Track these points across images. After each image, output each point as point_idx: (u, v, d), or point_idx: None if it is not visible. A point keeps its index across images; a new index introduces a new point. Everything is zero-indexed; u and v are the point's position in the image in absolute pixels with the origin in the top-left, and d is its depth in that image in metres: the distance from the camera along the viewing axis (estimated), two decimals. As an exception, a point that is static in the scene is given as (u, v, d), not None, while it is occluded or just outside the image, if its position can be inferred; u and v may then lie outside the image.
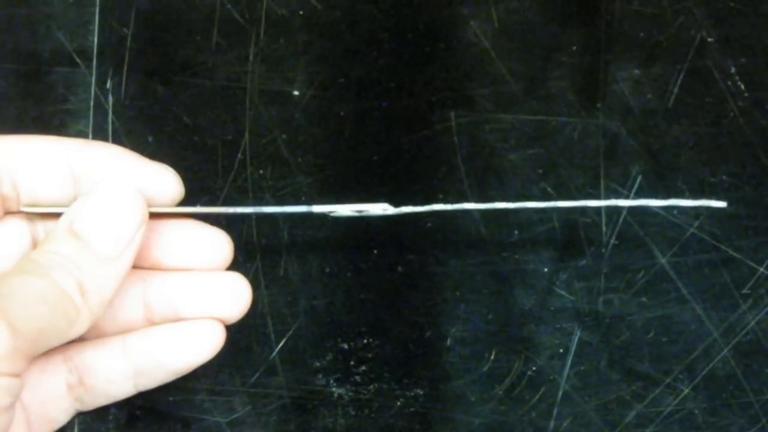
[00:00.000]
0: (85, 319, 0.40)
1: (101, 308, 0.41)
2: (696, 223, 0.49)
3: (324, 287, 0.49)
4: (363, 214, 0.44)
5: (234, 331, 0.46)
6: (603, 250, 0.49)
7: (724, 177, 0.50)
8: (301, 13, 0.51)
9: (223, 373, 0.48)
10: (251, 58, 0.50)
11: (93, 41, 0.50)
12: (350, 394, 0.48)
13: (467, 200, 0.45)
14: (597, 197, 0.49)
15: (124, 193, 0.42)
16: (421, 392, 0.48)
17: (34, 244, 0.44)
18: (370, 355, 0.48)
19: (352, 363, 0.48)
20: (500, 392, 0.48)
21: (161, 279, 0.44)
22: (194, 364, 0.44)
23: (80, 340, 0.45)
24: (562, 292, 0.49)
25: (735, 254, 0.49)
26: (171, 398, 0.47)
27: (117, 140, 0.49)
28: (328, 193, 0.49)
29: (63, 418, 0.45)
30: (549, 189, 0.48)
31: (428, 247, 0.49)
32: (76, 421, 0.47)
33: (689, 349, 0.49)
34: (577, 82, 0.51)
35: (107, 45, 0.50)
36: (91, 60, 0.50)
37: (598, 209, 0.49)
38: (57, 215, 0.42)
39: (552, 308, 0.49)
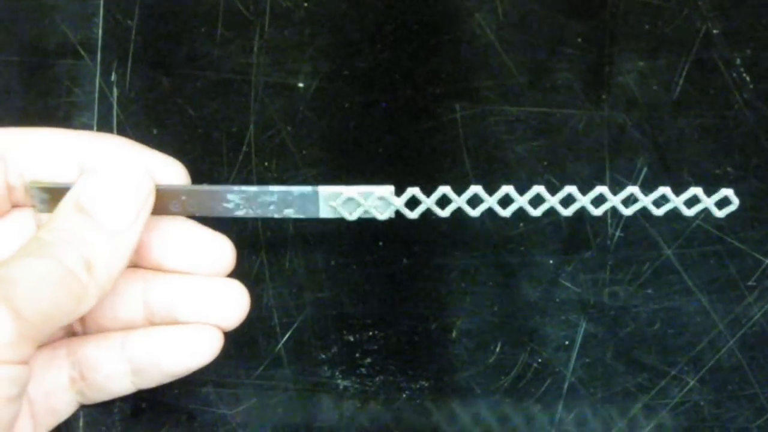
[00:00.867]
0: (92, 295, 0.40)
1: (109, 283, 0.40)
2: (701, 215, 0.49)
3: (329, 279, 0.49)
4: (369, 215, 0.44)
5: (240, 323, 0.46)
6: (608, 242, 0.49)
7: (730, 168, 0.50)
8: (305, 5, 0.51)
9: (229, 365, 0.48)
10: (256, 50, 0.50)
11: (97, 33, 0.50)
12: (356, 386, 0.48)
13: (475, 198, 0.45)
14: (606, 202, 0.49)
15: (130, 167, 0.42)
16: (427, 384, 0.48)
17: None
18: (375, 347, 0.48)
19: (357, 355, 0.48)
20: (506, 384, 0.48)
21: (162, 280, 0.44)
22: (190, 368, 0.44)
23: (83, 334, 0.45)
24: (568, 284, 0.49)
25: (740, 246, 0.49)
26: (176, 390, 0.47)
27: (121, 132, 0.49)
28: (333, 184, 0.49)
29: (67, 410, 0.45)
30: (554, 181, 0.48)
31: (433, 239, 0.49)
32: (82, 413, 0.47)
33: (695, 341, 0.49)
34: (583, 75, 0.51)
35: (112, 37, 0.50)
36: (95, 52, 0.50)
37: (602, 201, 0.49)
38: (63, 194, 0.42)
39: (557, 300, 0.49)
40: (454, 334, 0.49)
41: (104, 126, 0.49)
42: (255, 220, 0.49)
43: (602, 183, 0.48)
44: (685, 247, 0.49)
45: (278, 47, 0.50)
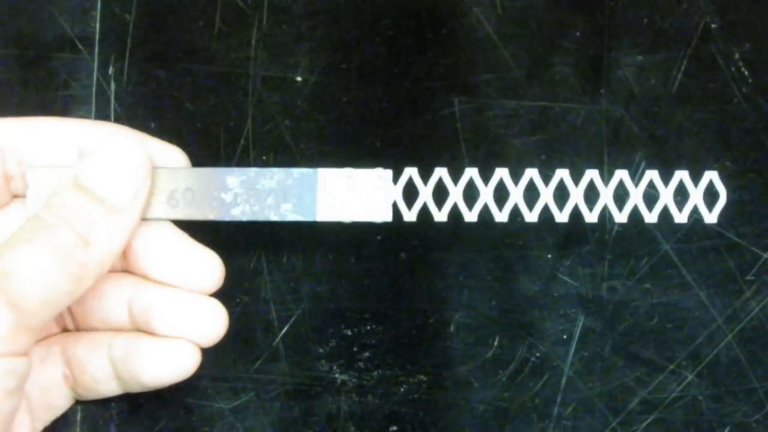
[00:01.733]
0: (92, 272, 0.40)
1: (110, 259, 0.41)
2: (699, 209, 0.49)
3: (327, 273, 0.49)
4: (368, 218, 0.44)
5: (237, 317, 0.46)
6: (607, 237, 0.49)
7: (728, 163, 0.50)
8: (303, -2, 0.51)
9: (227, 359, 0.48)
10: (254, 44, 0.50)
11: (95, 27, 0.50)
12: (354, 380, 0.48)
13: (471, 187, 0.45)
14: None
15: (128, 144, 0.42)
16: (425, 378, 0.48)
17: None
18: (373, 342, 0.48)
19: (355, 349, 0.48)
20: (504, 378, 0.48)
21: (146, 290, 0.44)
22: (165, 382, 0.43)
23: (75, 333, 0.45)
24: (566, 279, 0.49)
25: (739, 240, 0.49)
26: (173, 384, 0.47)
27: (119, 126, 0.49)
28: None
29: (63, 405, 0.45)
30: (552, 175, 0.48)
31: (432, 234, 0.49)
32: (79, 408, 0.47)
33: (693, 335, 0.49)
34: (581, 68, 0.51)
35: (109, 31, 0.50)
36: (93, 46, 0.50)
37: (599, 195, 0.49)
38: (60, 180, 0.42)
39: (556, 294, 0.49)
40: (452, 329, 0.48)
41: (102, 120, 0.49)
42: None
43: (600, 176, 0.48)
44: (684, 242, 0.49)
45: (276, 41, 0.50)
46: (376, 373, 0.48)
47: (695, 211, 0.46)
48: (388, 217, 0.45)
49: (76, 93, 0.50)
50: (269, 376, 0.48)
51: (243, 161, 0.49)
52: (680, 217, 0.46)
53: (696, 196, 0.45)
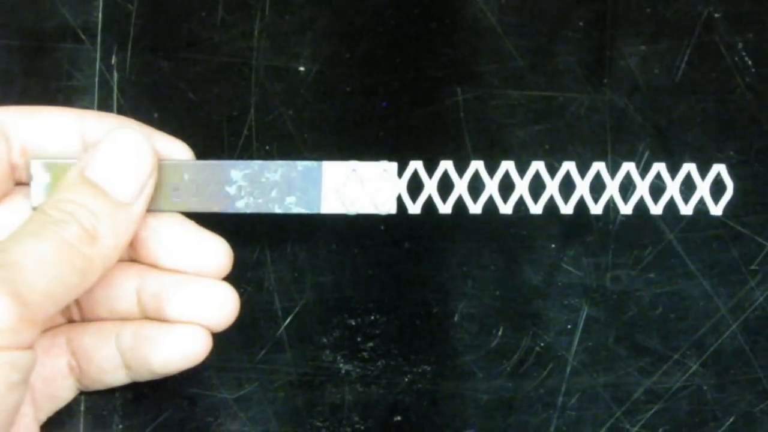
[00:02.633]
0: (98, 266, 0.40)
1: (116, 253, 0.41)
2: (699, 205, 0.49)
3: (331, 263, 0.49)
4: (375, 210, 0.44)
5: (241, 308, 0.45)
6: (611, 226, 0.49)
7: (732, 152, 0.50)
8: (306, -12, 0.51)
9: (231, 349, 0.48)
10: (256, 33, 0.50)
11: (97, 17, 0.50)
12: (357, 370, 0.48)
13: (476, 179, 0.45)
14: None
15: (134, 139, 0.42)
16: (429, 368, 0.48)
17: None
18: (377, 332, 0.48)
19: (359, 339, 0.48)
20: (508, 368, 0.48)
21: (155, 277, 0.44)
22: (177, 368, 0.44)
23: (81, 323, 0.45)
24: (570, 268, 0.49)
25: (743, 230, 0.49)
26: (177, 375, 0.46)
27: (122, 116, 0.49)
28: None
29: (67, 396, 0.45)
30: (556, 165, 0.48)
31: (435, 224, 0.49)
32: (83, 398, 0.47)
33: (697, 325, 0.49)
34: (584, 58, 0.51)
35: (112, 21, 0.50)
36: (95, 36, 0.50)
37: (603, 182, 0.49)
38: (65, 169, 0.42)
39: (560, 284, 0.49)
40: (456, 318, 0.48)
41: (104, 110, 0.49)
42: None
43: (605, 167, 0.48)
44: (688, 231, 0.49)
45: (279, 31, 0.50)
46: (380, 363, 0.48)
47: (701, 202, 0.46)
48: (392, 209, 0.45)
49: (78, 83, 0.49)
50: (273, 367, 0.48)
51: (246, 151, 0.49)
52: (686, 209, 0.45)
53: (702, 188, 0.45)
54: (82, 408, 0.47)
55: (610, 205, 0.49)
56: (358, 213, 0.45)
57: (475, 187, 0.45)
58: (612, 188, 0.45)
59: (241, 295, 0.47)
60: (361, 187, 0.44)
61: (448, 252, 0.49)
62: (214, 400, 0.47)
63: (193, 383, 0.47)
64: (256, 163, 0.44)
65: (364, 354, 0.48)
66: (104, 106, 0.49)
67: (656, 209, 0.46)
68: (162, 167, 0.43)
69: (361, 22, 0.51)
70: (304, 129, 0.50)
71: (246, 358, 0.48)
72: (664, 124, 0.50)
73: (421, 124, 0.50)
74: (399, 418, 0.47)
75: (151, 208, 0.43)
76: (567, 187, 0.46)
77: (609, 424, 0.48)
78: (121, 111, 0.49)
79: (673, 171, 0.45)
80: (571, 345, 0.48)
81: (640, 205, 0.47)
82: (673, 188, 0.45)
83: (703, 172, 0.45)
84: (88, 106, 0.49)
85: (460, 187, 0.45)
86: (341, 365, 0.48)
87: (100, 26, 0.50)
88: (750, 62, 0.50)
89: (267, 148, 0.49)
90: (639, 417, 0.48)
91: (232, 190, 0.44)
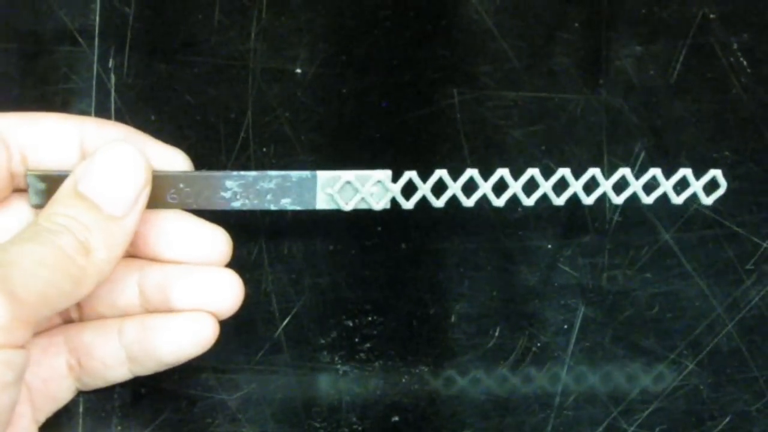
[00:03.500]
0: (91, 279, 0.40)
1: (109, 267, 0.41)
2: (695, 203, 0.49)
3: (328, 265, 0.49)
4: (366, 205, 0.44)
5: (239, 309, 0.46)
6: (607, 227, 0.49)
7: (727, 153, 0.50)
8: (302, -10, 0.51)
9: (228, 350, 0.48)
10: (253, 36, 0.50)
11: (95, 20, 0.50)
12: (355, 370, 0.48)
13: (470, 180, 0.45)
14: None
15: (127, 153, 0.42)
16: (426, 369, 0.48)
17: None
18: (374, 332, 0.48)
19: (356, 340, 0.48)
20: (505, 368, 0.48)
21: (157, 269, 0.44)
22: (186, 356, 0.44)
23: (80, 321, 0.45)
24: (566, 269, 0.49)
25: (738, 230, 0.49)
26: (176, 376, 0.47)
27: (119, 119, 0.49)
28: (331, 169, 0.49)
29: (66, 397, 0.45)
30: (552, 166, 0.48)
31: (432, 224, 0.49)
32: (81, 399, 0.47)
33: (693, 324, 0.49)
34: (580, 59, 0.51)
35: (109, 24, 0.50)
36: (93, 39, 0.50)
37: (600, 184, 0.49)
38: (61, 181, 0.42)
39: (556, 284, 0.49)
40: (453, 319, 0.49)
41: (102, 112, 0.49)
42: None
43: (599, 167, 0.48)
44: (684, 231, 0.49)
45: (276, 33, 0.50)
46: (377, 363, 0.48)
47: (693, 196, 0.46)
48: (387, 206, 0.45)
49: (76, 86, 0.50)
50: (271, 368, 0.48)
51: (243, 153, 0.49)
52: (677, 200, 0.45)
53: (696, 185, 0.45)
54: (81, 409, 0.47)
55: (606, 206, 0.49)
56: (355, 177, 0.44)
57: (470, 187, 0.45)
58: (606, 186, 0.45)
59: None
60: (355, 191, 0.44)
61: (444, 253, 0.49)
62: (212, 401, 0.47)
63: (191, 384, 0.47)
64: (251, 174, 0.43)
65: (362, 355, 0.48)
66: (102, 108, 0.49)
67: (648, 200, 0.45)
68: (156, 178, 0.43)
69: (358, 25, 0.51)
70: (301, 131, 0.50)
71: (244, 359, 0.48)
72: (659, 124, 0.50)
73: (417, 125, 0.50)
74: (396, 418, 0.48)
75: (148, 208, 0.43)
76: (561, 185, 0.46)
77: (606, 424, 0.48)
78: (119, 113, 0.49)
79: (668, 170, 0.45)
80: (568, 345, 0.48)
81: (637, 205, 0.47)
82: (666, 186, 0.45)
83: (699, 174, 0.45)
84: (85, 109, 0.49)
85: (455, 188, 0.45)
86: (339, 366, 0.48)
87: (97, 29, 0.50)
88: (745, 63, 0.51)
89: (264, 150, 0.49)
90: (635, 417, 0.48)
91: (227, 195, 0.44)
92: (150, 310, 0.44)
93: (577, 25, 0.51)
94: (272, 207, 0.44)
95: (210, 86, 0.50)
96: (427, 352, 0.48)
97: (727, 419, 0.48)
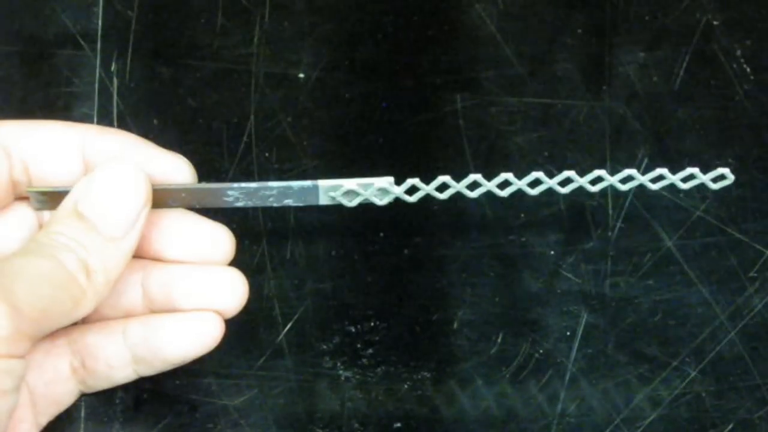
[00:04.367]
0: (90, 300, 0.40)
1: (107, 288, 0.40)
2: (702, 206, 0.49)
3: (330, 270, 0.49)
4: (369, 199, 0.44)
5: (241, 314, 0.45)
6: (609, 233, 0.49)
7: (730, 160, 0.50)
8: (305, -5, 0.51)
9: (230, 356, 0.48)
10: (256, 40, 0.50)
11: (97, 24, 0.50)
12: (357, 377, 0.48)
13: (473, 184, 0.45)
14: (602, 182, 0.49)
15: (127, 172, 0.42)
16: (428, 375, 0.48)
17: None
18: (377, 338, 0.48)
19: (359, 346, 0.48)
20: (507, 375, 0.48)
21: (161, 269, 0.44)
22: (192, 355, 0.44)
23: (83, 323, 0.45)
24: (569, 275, 0.49)
25: (741, 237, 0.49)
26: (178, 381, 0.47)
27: (122, 123, 0.49)
28: (334, 175, 0.48)
29: (68, 400, 0.45)
30: (555, 172, 0.48)
31: (434, 230, 0.49)
32: (83, 404, 0.47)
33: (696, 332, 0.49)
34: (583, 65, 0.51)
35: (112, 27, 0.50)
36: (95, 43, 0.50)
37: (603, 192, 0.49)
38: (62, 197, 0.42)
39: (559, 291, 0.49)
40: (455, 325, 0.48)
41: (104, 116, 0.49)
42: (255, 211, 0.49)
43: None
44: (686, 238, 0.49)
45: (278, 37, 0.50)
46: (379, 369, 0.48)
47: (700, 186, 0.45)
48: (390, 200, 0.44)
49: (78, 90, 0.50)
50: (273, 373, 0.48)
51: (245, 158, 0.49)
52: (683, 186, 0.45)
53: (703, 177, 0.45)
54: (83, 414, 0.47)
55: (609, 212, 0.49)
56: (358, 203, 0.44)
57: (473, 189, 0.45)
58: (611, 179, 0.44)
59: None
60: (357, 194, 0.44)
61: (447, 259, 0.49)
62: (214, 406, 0.47)
63: (193, 389, 0.47)
64: (252, 186, 0.43)
65: (364, 360, 0.48)
66: (104, 112, 0.49)
67: (654, 186, 0.45)
68: (157, 192, 0.43)
69: (361, 29, 0.51)
70: (304, 135, 0.50)
71: (246, 364, 0.48)
72: (663, 131, 0.50)
73: (420, 130, 0.50)
74: (399, 424, 0.47)
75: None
76: (565, 183, 0.46)
77: (608, 431, 0.48)
78: (121, 117, 0.49)
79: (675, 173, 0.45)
80: (571, 352, 0.48)
81: (640, 211, 0.47)
82: (673, 178, 0.45)
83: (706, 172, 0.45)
84: (88, 113, 0.49)
85: (458, 186, 0.44)
86: (341, 372, 0.48)
87: (100, 33, 0.50)
88: (748, 69, 0.51)
89: (266, 154, 0.49)
90: (638, 424, 0.48)
91: (230, 200, 0.44)
92: (154, 310, 0.44)
93: (580, 31, 0.51)
94: (275, 204, 0.44)
95: (212, 90, 0.50)
96: (430, 358, 0.48)
97: (730, 427, 0.48)
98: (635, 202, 0.49)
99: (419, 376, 0.48)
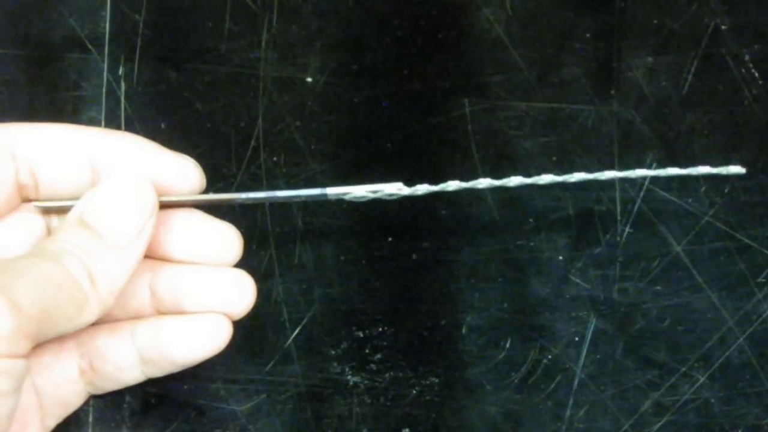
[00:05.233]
0: (94, 307, 0.39)
1: (111, 297, 0.40)
2: (711, 212, 0.49)
3: (339, 275, 0.49)
4: (378, 195, 0.44)
5: (249, 319, 0.45)
6: (618, 239, 0.49)
7: (739, 164, 0.50)
8: (313, -1, 0.51)
9: (239, 361, 0.48)
10: (264, 44, 0.50)
11: (105, 27, 0.50)
12: (365, 382, 0.48)
13: (482, 190, 0.45)
14: (611, 186, 0.49)
15: (133, 182, 0.42)
16: (437, 380, 0.48)
17: (49, 234, 0.44)
18: (385, 343, 0.48)
19: (367, 351, 0.48)
20: (516, 381, 0.48)
21: (169, 270, 0.44)
22: (200, 357, 0.44)
23: (92, 325, 0.45)
24: (578, 281, 0.49)
25: (750, 242, 0.49)
26: (186, 386, 0.47)
27: (129, 127, 0.49)
28: (342, 180, 0.49)
29: (76, 402, 0.45)
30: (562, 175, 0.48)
31: (443, 235, 0.49)
32: (91, 408, 0.47)
33: (705, 337, 0.49)
34: (591, 70, 0.51)
35: (119, 31, 0.50)
36: (103, 46, 0.50)
37: (612, 197, 0.49)
38: (67, 210, 0.42)
39: (567, 296, 0.49)
40: (463, 331, 0.48)
41: (112, 120, 0.49)
42: (263, 215, 0.49)
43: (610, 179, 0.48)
44: (695, 244, 0.49)
45: (286, 42, 0.50)
46: (388, 375, 0.48)
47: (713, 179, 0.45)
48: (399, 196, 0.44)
49: (86, 93, 0.49)
50: (281, 378, 0.48)
51: (253, 162, 0.49)
52: (696, 171, 0.44)
53: (715, 170, 0.44)
54: (91, 419, 0.47)
55: (618, 218, 0.49)
56: (368, 191, 0.44)
57: (482, 197, 0.45)
58: (621, 174, 0.44)
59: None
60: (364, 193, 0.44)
61: (455, 264, 0.49)
62: (222, 411, 0.47)
63: (201, 394, 0.47)
64: (260, 195, 0.43)
65: (372, 366, 0.48)
66: (112, 116, 0.49)
67: (664, 173, 0.45)
68: (163, 203, 0.43)
69: (369, 34, 0.51)
70: (312, 140, 0.50)
71: (254, 369, 0.48)
72: (671, 135, 0.50)
73: (428, 135, 0.50)
74: (407, 430, 0.47)
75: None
76: (575, 193, 0.46)
77: (617, 437, 0.48)
78: (129, 121, 0.49)
79: (684, 183, 0.45)
80: (579, 357, 0.48)
81: (649, 217, 0.47)
82: (684, 172, 0.44)
83: (717, 186, 0.45)
84: (95, 116, 0.49)
85: (467, 185, 0.44)
86: (349, 377, 0.48)
87: (107, 36, 0.50)
88: (757, 74, 0.51)
89: (274, 159, 0.49)
90: (646, 430, 0.48)
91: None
92: (162, 311, 0.44)
93: (588, 35, 0.51)
94: (282, 199, 0.44)
95: (220, 94, 0.50)
96: (438, 363, 0.48)
97: (738, 433, 0.48)
98: (644, 207, 0.49)
99: (427, 382, 0.48)
